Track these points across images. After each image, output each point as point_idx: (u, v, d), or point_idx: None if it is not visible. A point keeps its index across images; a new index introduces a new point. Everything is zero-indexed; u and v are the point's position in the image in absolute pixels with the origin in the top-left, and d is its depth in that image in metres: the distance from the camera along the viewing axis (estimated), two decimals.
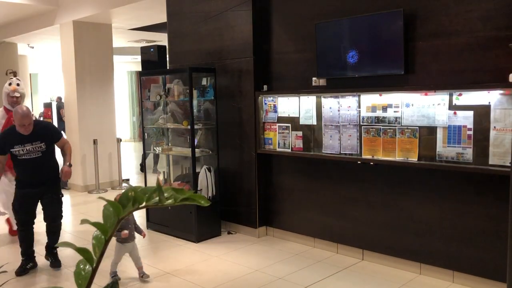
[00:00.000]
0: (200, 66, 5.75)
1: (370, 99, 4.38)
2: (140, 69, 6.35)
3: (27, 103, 13.93)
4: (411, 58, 4.12)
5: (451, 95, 3.86)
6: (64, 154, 4.72)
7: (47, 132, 4.55)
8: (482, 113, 3.69)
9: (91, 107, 8.49)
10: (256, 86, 5.29)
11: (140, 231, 4.46)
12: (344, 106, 4.58)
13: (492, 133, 3.64)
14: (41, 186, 4.52)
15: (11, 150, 4.35)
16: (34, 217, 4.58)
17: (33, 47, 11.95)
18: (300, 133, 4.97)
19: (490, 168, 3.66)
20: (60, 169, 4.68)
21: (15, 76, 5.60)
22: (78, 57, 8.39)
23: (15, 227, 5.07)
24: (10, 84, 5.48)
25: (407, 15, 4.06)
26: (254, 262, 4.67)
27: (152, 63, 6.01)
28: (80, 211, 7.10)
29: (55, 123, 13.00)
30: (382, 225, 4.46)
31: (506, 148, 3.55)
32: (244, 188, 5.52)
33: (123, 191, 1.07)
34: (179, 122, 5.84)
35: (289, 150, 5.07)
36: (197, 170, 5.46)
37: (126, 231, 4.15)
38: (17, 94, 5.42)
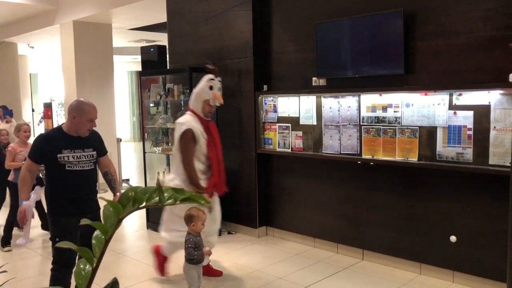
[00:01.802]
0: (200, 66, 5.75)
1: (370, 99, 4.38)
2: (140, 69, 6.35)
3: (27, 102, 13.99)
4: (411, 58, 4.12)
5: (451, 95, 3.87)
6: (108, 178, 3.57)
7: (98, 140, 3.52)
8: (482, 113, 3.69)
9: None
10: (256, 86, 5.29)
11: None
12: (344, 106, 4.58)
13: (492, 133, 3.64)
14: (84, 214, 3.20)
15: (58, 155, 3.22)
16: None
17: (33, 47, 11.96)
18: (300, 133, 4.97)
19: (490, 168, 3.66)
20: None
21: None
22: (78, 57, 8.40)
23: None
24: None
25: (407, 15, 4.06)
26: (254, 262, 4.66)
27: (152, 63, 6.01)
28: None
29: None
30: (382, 225, 4.46)
31: (506, 148, 3.55)
32: (244, 188, 5.52)
33: (123, 191, 1.07)
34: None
35: (289, 150, 5.07)
36: None
37: (207, 248, 3.60)
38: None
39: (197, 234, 3.61)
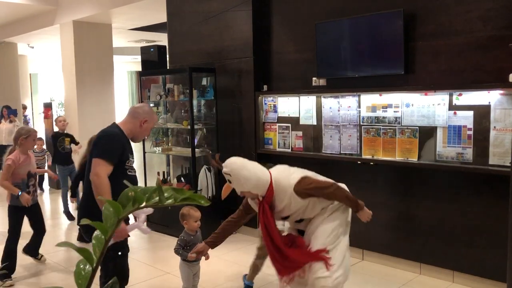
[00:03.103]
0: (200, 66, 5.75)
1: (370, 99, 4.38)
2: (140, 69, 6.35)
3: (27, 103, 13.97)
4: (411, 58, 4.12)
5: (451, 95, 3.86)
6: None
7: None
8: (482, 113, 3.69)
9: (91, 107, 8.49)
10: (256, 86, 5.29)
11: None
12: (344, 106, 4.58)
13: (492, 133, 3.64)
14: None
15: (128, 158, 3.07)
16: None
17: (33, 47, 11.96)
18: (300, 133, 4.97)
19: (490, 168, 3.66)
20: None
21: None
22: (78, 57, 8.40)
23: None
24: None
25: (407, 15, 4.06)
26: None
27: (152, 63, 6.01)
28: None
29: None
30: (382, 225, 4.45)
31: (506, 148, 3.55)
32: None
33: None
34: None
35: (289, 150, 5.07)
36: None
37: (194, 254, 3.39)
38: None
39: (191, 233, 3.62)
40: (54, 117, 13.51)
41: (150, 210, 3.20)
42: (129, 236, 3.01)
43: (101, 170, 2.86)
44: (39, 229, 4.60)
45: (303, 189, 2.96)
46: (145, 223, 3.19)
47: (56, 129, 7.14)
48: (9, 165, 4.23)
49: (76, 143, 6.83)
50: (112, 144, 2.98)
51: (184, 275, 3.62)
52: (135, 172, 3.16)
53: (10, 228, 4.38)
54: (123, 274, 3.10)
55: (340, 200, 3.08)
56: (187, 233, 3.62)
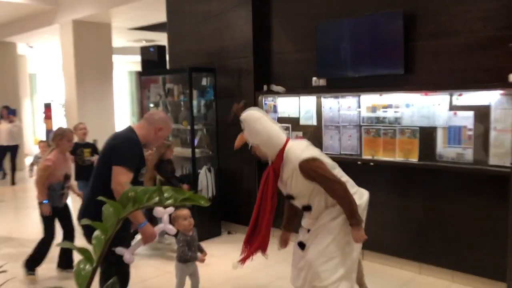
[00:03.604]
0: (200, 66, 5.75)
1: (370, 99, 4.38)
2: (140, 69, 6.35)
3: (26, 103, 13.97)
4: (411, 58, 4.12)
5: (451, 95, 3.86)
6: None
7: None
8: (482, 113, 3.69)
9: (91, 107, 8.49)
10: (256, 86, 5.29)
11: (201, 250, 3.84)
12: (344, 106, 4.57)
13: (493, 133, 3.64)
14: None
15: (142, 167, 3.03)
16: None
17: (32, 47, 11.94)
18: (300, 134, 4.97)
19: (490, 169, 3.66)
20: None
21: None
22: (78, 57, 8.40)
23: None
24: None
25: (407, 15, 4.06)
26: (254, 262, 4.62)
27: (152, 63, 6.01)
28: None
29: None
30: (382, 225, 4.45)
31: (506, 149, 3.55)
32: (244, 188, 5.52)
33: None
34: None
35: None
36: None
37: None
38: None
39: (187, 233, 3.63)
40: (54, 117, 13.48)
41: (171, 209, 3.28)
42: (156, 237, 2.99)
43: (124, 179, 2.78)
44: (68, 232, 4.40)
45: (308, 168, 2.85)
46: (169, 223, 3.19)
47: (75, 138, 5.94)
48: (49, 166, 4.09)
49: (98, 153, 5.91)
50: (132, 151, 2.91)
51: (178, 275, 3.63)
52: (143, 178, 3.11)
53: (44, 230, 4.30)
54: (124, 279, 3.05)
55: (340, 202, 2.90)
56: (183, 234, 3.62)
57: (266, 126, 2.97)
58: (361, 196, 3.14)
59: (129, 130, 3.04)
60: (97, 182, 2.95)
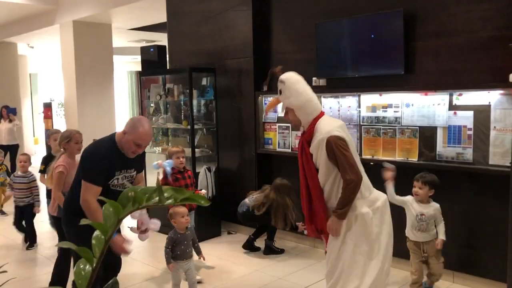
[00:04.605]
0: (200, 66, 5.75)
1: (370, 99, 4.38)
2: (140, 69, 6.35)
3: (26, 103, 13.97)
4: (411, 58, 4.12)
5: (451, 95, 3.86)
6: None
7: (141, 158, 3.23)
8: (482, 113, 3.69)
9: (91, 107, 8.49)
10: (256, 86, 5.28)
11: (199, 252, 3.89)
12: (344, 106, 4.58)
13: (492, 133, 3.64)
14: None
15: (111, 178, 2.94)
16: None
17: (33, 47, 11.94)
18: (300, 133, 4.96)
19: (490, 168, 3.66)
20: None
21: None
22: (78, 57, 8.39)
23: None
24: None
25: (407, 15, 4.06)
26: (254, 262, 4.66)
27: (152, 63, 6.01)
28: None
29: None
30: None
31: (506, 148, 3.55)
32: (244, 188, 5.51)
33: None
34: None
35: (289, 150, 5.07)
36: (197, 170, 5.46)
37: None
38: None
39: (181, 231, 3.67)
40: (54, 117, 13.46)
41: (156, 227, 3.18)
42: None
43: (89, 195, 2.77)
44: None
45: (333, 145, 2.75)
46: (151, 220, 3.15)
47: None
48: (61, 173, 3.66)
49: None
50: (97, 166, 2.85)
51: (173, 272, 3.69)
52: (122, 188, 2.95)
53: (60, 249, 3.82)
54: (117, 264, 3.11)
55: (344, 188, 2.83)
56: (175, 232, 3.67)
57: (307, 90, 2.92)
58: (372, 203, 3.06)
59: (109, 138, 2.99)
60: (77, 186, 2.93)
